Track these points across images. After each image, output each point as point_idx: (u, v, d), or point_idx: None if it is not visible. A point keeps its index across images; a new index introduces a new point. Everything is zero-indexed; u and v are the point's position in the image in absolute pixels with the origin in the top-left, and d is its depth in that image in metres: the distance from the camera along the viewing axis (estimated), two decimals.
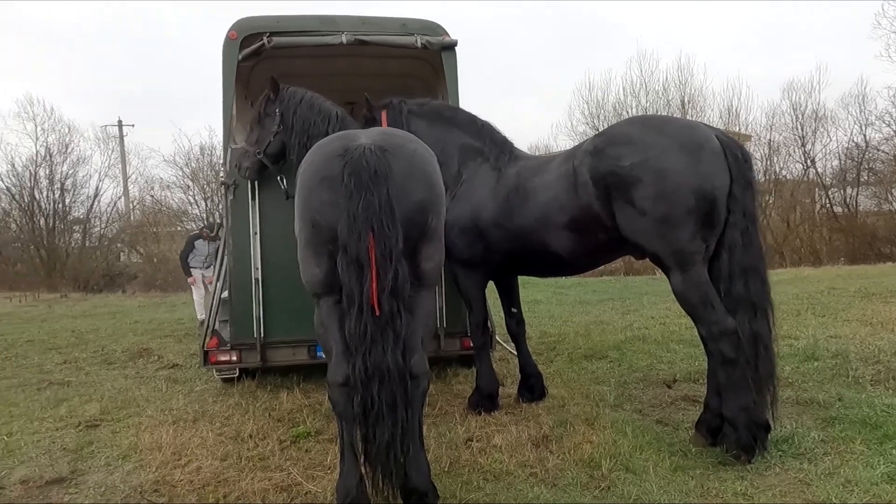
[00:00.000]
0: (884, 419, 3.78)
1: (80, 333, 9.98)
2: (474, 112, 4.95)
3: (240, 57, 5.28)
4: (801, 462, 3.35)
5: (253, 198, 5.22)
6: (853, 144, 21.33)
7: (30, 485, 3.65)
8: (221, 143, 5.85)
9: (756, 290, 3.42)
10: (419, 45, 5.43)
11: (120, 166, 29.14)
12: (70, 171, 25.99)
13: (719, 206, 3.39)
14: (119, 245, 27.35)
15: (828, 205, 21.00)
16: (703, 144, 3.43)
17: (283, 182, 4.99)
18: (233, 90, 5.36)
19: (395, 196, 2.86)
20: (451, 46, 5.52)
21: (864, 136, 21.11)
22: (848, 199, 20.74)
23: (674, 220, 3.39)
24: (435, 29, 5.54)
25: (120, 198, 28.57)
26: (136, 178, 29.98)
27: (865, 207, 20.44)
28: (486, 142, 4.67)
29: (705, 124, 3.81)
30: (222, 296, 5.65)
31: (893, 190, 19.32)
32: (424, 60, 6.27)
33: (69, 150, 26.05)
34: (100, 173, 27.37)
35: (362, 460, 2.90)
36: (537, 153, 5.53)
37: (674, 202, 3.38)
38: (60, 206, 25.78)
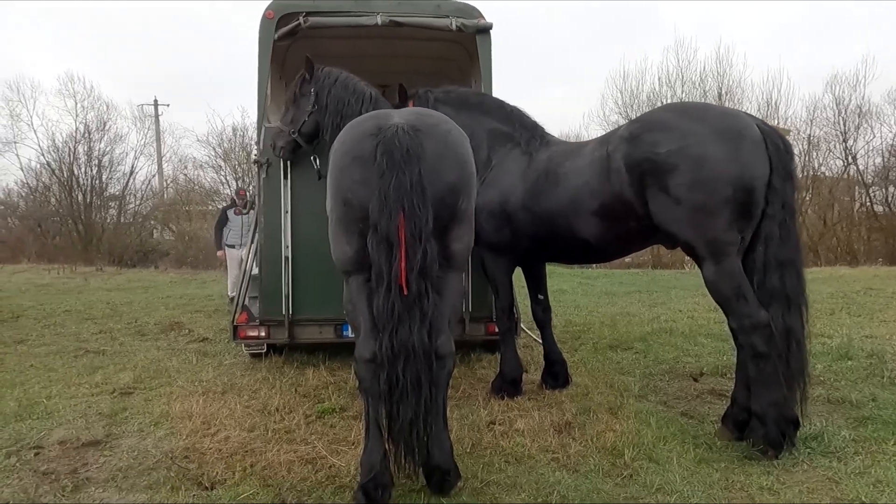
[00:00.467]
0: None
1: (115, 305, 10.28)
2: (504, 97, 4.93)
3: (276, 36, 5.33)
4: (831, 460, 3.28)
5: (285, 177, 5.28)
6: None
7: (67, 446, 3.79)
8: (255, 123, 5.93)
9: (791, 284, 3.34)
10: (454, 27, 5.40)
11: (155, 145, 29.78)
12: (107, 149, 26.57)
13: (757, 197, 3.31)
14: (152, 222, 27.96)
15: (868, 203, 20.34)
16: (742, 133, 3.35)
17: (316, 162, 5.04)
18: (268, 69, 5.41)
19: (427, 176, 2.86)
20: (486, 29, 5.47)
21: None
22: (890, 199, 20.05)
23: (709, 210, 3.33)
24: (470, 12, 5.49)
25: (154, 176, 29.20)
26: (171, 157, 30.57)
27: None
28: (515, 126, 4.64)
29: (746, 112, 3.72)
30: (252, 272, 5.76)
31: None
32: (458, 43, 6.24)
33: (107, 127, 26.62)
34: (135, 151, 27.90)
35: (386, 436, 2.94)
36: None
37: (710, 191, 3.31)
38: (97, 182, 26.44)
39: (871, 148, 21.23)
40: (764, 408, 3.36)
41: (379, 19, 5.32)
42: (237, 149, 25.65)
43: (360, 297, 3.04)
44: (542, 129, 4.70)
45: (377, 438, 2.93)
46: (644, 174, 3.56)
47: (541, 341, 6.22)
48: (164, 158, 30.05)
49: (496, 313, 4.70)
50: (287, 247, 5.31)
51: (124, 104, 41.07)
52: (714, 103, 19.57)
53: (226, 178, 27.30)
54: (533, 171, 4.27)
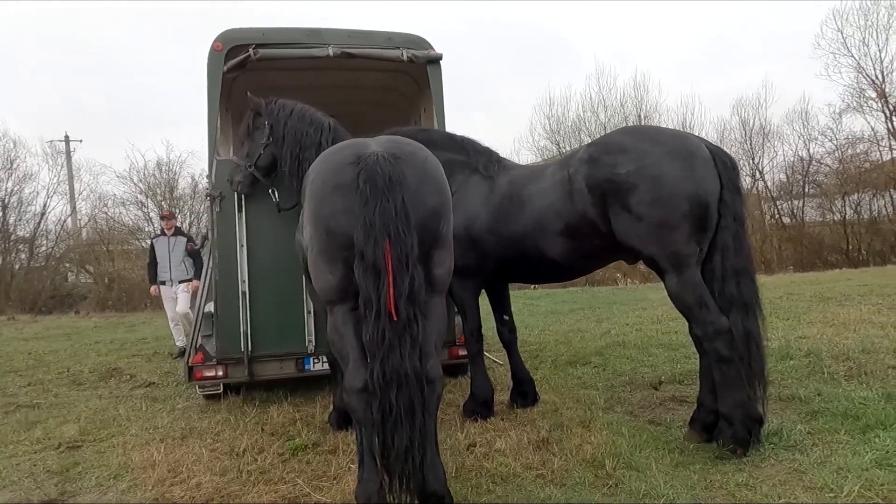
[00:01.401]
0: (863, 410, 4.01)
1: (39, 355, 9.52)
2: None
3: (225, 69, 5.25)
4: (793, 453, 3.51)
5: (239, 210, 5.15)
6: (798, 158, 22.53)
7: None
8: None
9: (747, 290, 3.60)
10: (405, 58, 5.51)
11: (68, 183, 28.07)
12: (15, 188, 24.91)
13: (712, 211, 3.56)
14: (67, 264, 26.23)
15: (777, 216, 22.02)
16: (694, 152, 3.61)
17: (274, 195, 4.96)
18: (218, 102, 5.31)
19: (410, 202, 2.90)
20: (436, 60, 5.61)
21: (808, 150, 22.34)
22: (795, 211, 21.80)
23: (669, 225, 3.54)
24: (420, 43, 5.63)
25: (69, 216, 27.45)
26: (88, 195, 28.87)
27: (811, 218, 21.53)
28: (469, 154, 4.76)
29: (693, 134, 4.01)
30: (205, 310, 5.54)
31: (836, 201, 20.43)
32: (406, 74, 6.35)
33: (14, 166, 24.97)
34: (48, 190, 26.23)
35: (380, 465, 2.89)
36: None
37: (669, 207, 3.53)
38: (4, 224, 24.62)
39: (774, 165, 23.16)
40: (730, 409, 3.56)
41: (331, 51, 5.35)
42: (162, 185, 24.59)
43: (347, 327, 3.01)
44: (495, 153, 4.85)
45: (372, 468, 2.89)
46: (605, 194, 3.75)
47: (500, 363, 6.34)
48: (80, 196, 28.35)
49: (465, 336, 4.74)
50: (244, 281, 5.16)
51: (34, 140, 38.39)
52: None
53: (149, 216, 26.12)
54: (496, 195, 4.39)
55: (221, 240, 5.18)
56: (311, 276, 3.16)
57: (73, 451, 4.44)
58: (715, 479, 3.28)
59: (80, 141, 29.97)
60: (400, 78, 6.53)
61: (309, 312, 5.27)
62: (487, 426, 4.41)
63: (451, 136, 4.92)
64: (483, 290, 4.87)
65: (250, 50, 5.24)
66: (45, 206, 25.62)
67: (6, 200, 24.82)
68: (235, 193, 5.09)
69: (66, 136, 28.94)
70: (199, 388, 5.57)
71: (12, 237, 25.43)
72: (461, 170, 4.69)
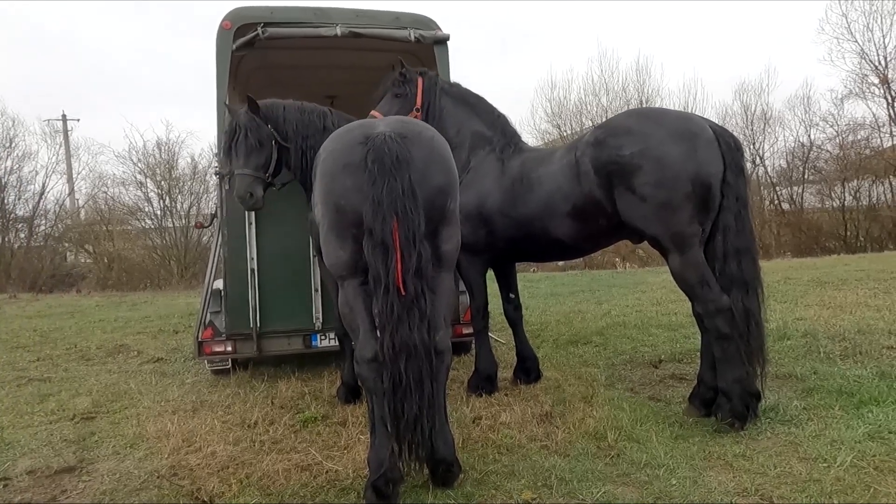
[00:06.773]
0: (857, 388, 4.13)
1: (44, 332, 9.62)
2: None
3: (234, 47, 5.28)
4: (789, 427, 3.63)
5: None
6: (798, 144, 22.52)
7: (38, 474, 3.61)
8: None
9: (748, 269, 3.69)
10: (412, 38, 5.54)
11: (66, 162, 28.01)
12: (14, 167, 24.84)
13: (714, 192, 3.63)
14: (66, 244, 26.27)
15: (776, 201, 22.07)
16: (698, 134, 3.68)
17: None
18: (227, 80, 5.34)
19: (417, 181, 2.98)
20: (443, 41, 5.64)
21: (809, 136, 22.33)
22: (794, 197, 21.84)
23: (673, 205, 3.62)
24: (427, 23, 5.65)
25: (68, 196, 27.42)
26: (87, 175, 28.83)
27: (810, 204, 21.58)
28: (497, 132, 4.80)
29: (698, 115, 4.07)
30: (214, 287, 5.63)
31: (836, 188, 20.48)
32: (411, 54, 6.36)
33: (13, 144, 24.88)
34: (47, 169, 26.16)
35: (391, 433, 3.00)
36: None
37: (673, 188, 3.60)
38: (3, 203, 24.60)
39: (775, 151, 23.16)
40: (729, 384, 3.67)
41: (339, 30, 5.38)
42: (162, 165, 24.51)
43: (357, 301, 3.11)
44: (519, 137, 4.90)
45: (384, 435, 2.99)
46: (611, 175, 3.82)
47: (502, 342, 6.46)
48: (80, 176, 28.30)
49: (472, 313, 4.84)
50: (252, 259, 5.25)
51: (33, 119, 38.12)
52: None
53: (148, 196, 26.09)
54: (507, 176, 4.47)
55: (230, 218, 5.25)
56: (322, 252, 3.25)
57: (87, 422, 4.56)
58: (713, 450, 3.40)
59: (78, 120, 29.90)
60: (405, 59, 6.52)
61: (316, 290, 5.37)
62: (492, 401, 4.52)
63: (492, 111, 4.92)
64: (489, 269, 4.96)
65: (259, 28, 5.26)
66: (43, 185, 25.56)
67: (5, 179, 24.78)
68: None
69: (63, 115, 28.84)
70: (208, 363, 5.68)
71: (11, 216, 25.42)
72: (483, 146, 4.74)
